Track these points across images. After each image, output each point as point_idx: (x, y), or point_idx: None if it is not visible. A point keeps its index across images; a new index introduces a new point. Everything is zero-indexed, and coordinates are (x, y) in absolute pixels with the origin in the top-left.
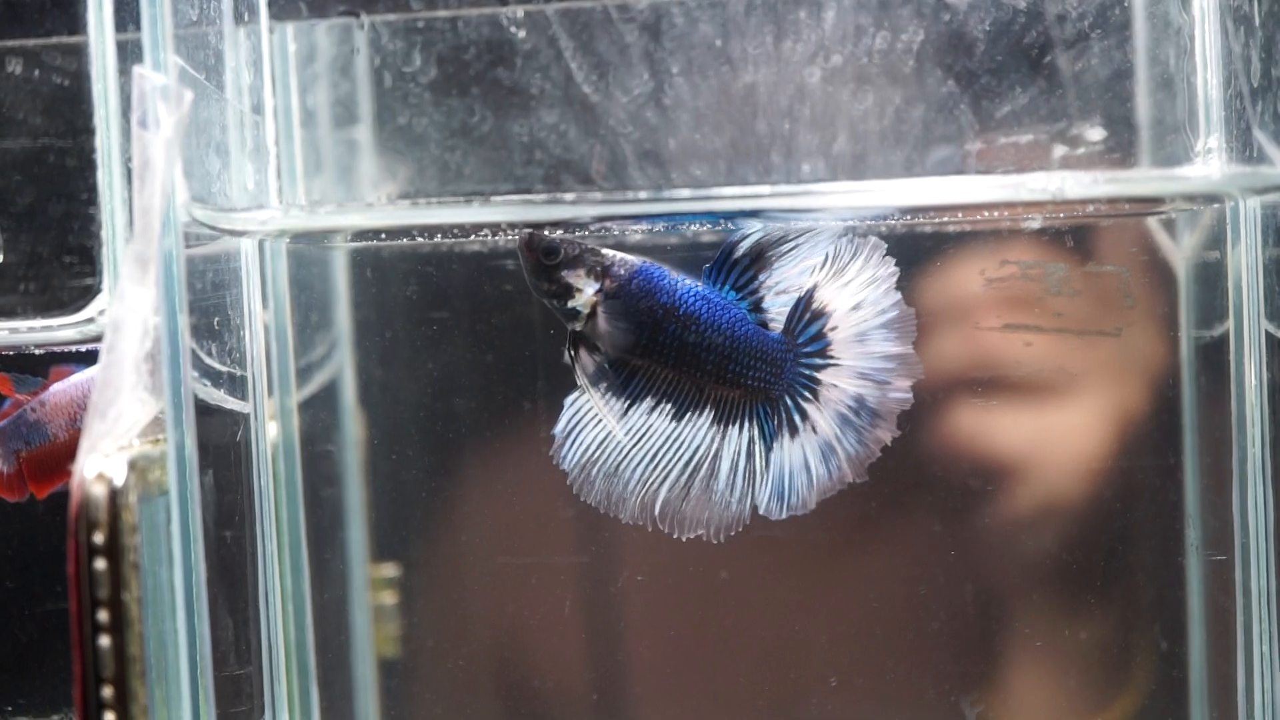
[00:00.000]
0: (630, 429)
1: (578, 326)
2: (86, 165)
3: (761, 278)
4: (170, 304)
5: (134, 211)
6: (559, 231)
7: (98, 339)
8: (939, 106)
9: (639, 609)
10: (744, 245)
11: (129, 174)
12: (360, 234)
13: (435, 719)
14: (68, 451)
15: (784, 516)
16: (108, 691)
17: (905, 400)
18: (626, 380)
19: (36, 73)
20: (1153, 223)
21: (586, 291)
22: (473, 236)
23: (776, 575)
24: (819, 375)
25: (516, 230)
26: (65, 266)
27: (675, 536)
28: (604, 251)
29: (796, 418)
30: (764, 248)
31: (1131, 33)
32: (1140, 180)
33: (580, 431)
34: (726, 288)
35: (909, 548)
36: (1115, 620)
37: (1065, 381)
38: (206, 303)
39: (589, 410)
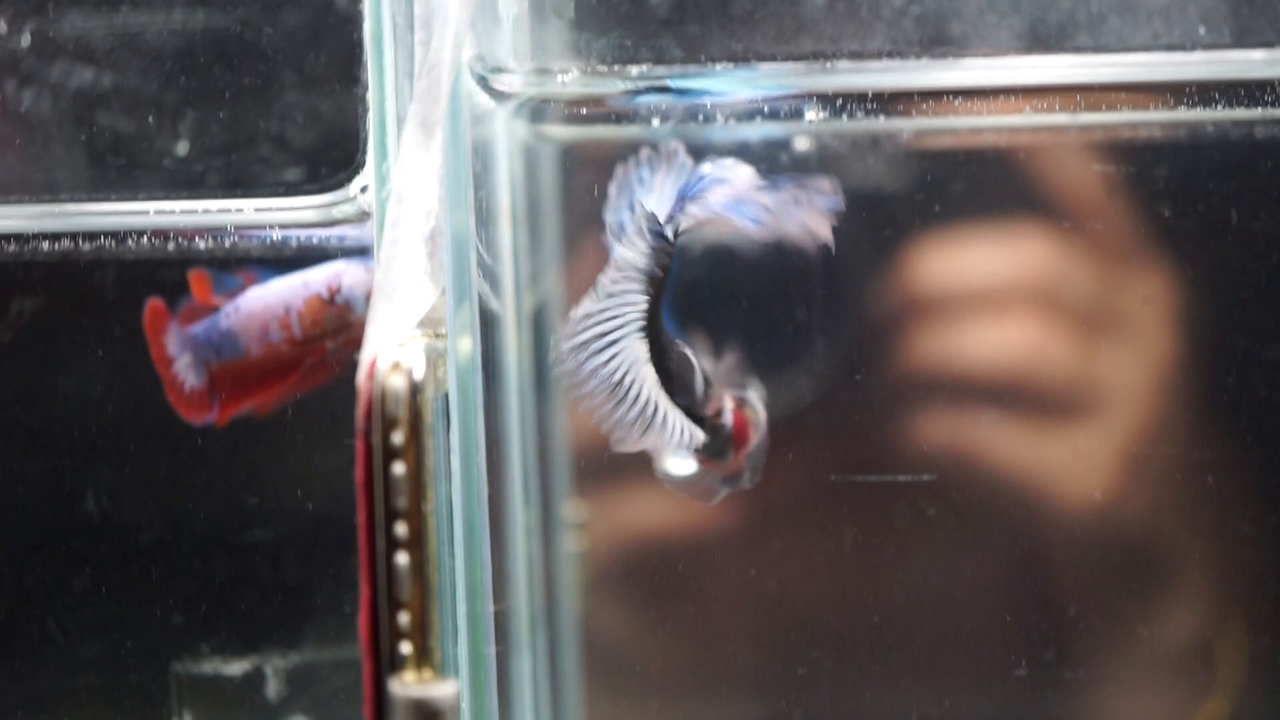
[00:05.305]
0: None
1: None
2: (289, 42)
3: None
4: (457, 176)
5: (416, 68)
6: None
7: (347, 221)
8: None
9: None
10: None
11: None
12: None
13: (639, 674)
14: (259, 371)
15: None
16: (405, 618)
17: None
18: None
19: None
20: None
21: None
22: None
23: None
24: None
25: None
26: (261, 158)
27: None
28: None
29: None
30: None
31: None
32: None
33: None
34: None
35: None
36: None
37: None
38: (480, 183)
39: None
